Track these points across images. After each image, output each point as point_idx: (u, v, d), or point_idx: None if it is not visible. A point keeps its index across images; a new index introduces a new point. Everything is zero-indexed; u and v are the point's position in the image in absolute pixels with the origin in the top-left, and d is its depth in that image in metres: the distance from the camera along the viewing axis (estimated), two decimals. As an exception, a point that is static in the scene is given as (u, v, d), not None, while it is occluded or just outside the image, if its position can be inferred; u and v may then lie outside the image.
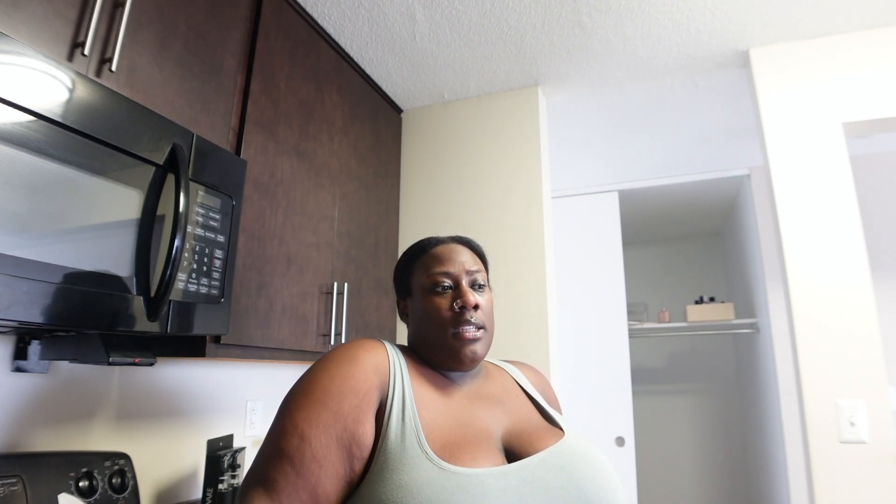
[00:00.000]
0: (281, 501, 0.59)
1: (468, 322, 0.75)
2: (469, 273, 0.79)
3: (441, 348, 0.75)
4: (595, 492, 0.64)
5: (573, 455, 0.68)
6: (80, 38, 0.92)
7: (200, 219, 1.06)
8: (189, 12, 1.18)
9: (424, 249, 0.83)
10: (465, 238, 0.86)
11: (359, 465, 0.63)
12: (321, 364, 0.67)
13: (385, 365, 0.70)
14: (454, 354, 0.74)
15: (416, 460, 0.61)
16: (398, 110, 2.26)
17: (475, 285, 0.79)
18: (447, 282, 0.78)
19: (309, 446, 0.61)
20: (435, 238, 0.85)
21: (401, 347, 0.79)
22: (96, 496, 1.07)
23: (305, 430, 0.62)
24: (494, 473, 0.62)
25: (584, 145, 2.63)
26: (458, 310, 0.75)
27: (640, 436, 3.69)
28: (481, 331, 0.76)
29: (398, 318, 2.00)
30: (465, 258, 0.80)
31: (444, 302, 0.76)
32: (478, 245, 0.86)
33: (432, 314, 0.76)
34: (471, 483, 0.60)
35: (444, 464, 0.61)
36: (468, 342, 0.74)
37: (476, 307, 0.76)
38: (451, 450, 0.64)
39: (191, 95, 1.16)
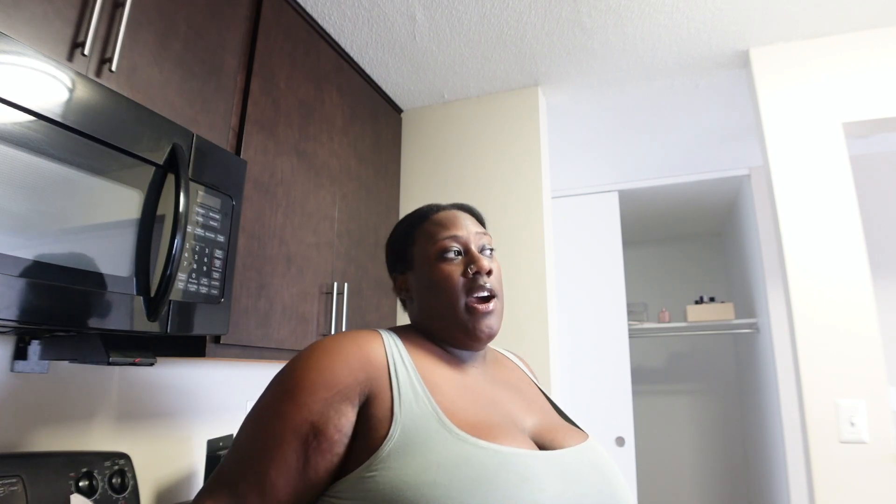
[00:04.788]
0: (233, 492, 0.58)
1: (482, 287, 0.70)
2: (477, 236, 0.74)
3: (453, 324, 0.70)
4: (623, 497, 0.62)
5: (603, 456, 0.65)
6: (80, 38, 0.92)
7: (200, 219, 1.06)
8: (189, 12, 1.18)
9: (426, 216, 0.77)
10: (468, 205, 0.81)
11: (319, 458, 0.58)
12: (304, 352, 0.63)
13: (380, 356, 0.64)
14: (468, 331, 0.70)
15: (442, 440, 0.56)
16: (398, 110, 2.26)
17: (484, 251, 0.74)
18: (456, 247, 0.72)
19: (261, 436, 0.59)
20: (435, 205, 0.79)
21: (401, 329, 0.74)
22: (96, 496, 1.07)
23: (262, 418, 0.60)
24: (539, 456, 0.57)
25: (584, 145, 2.63)
26: (471, 276, 0.70)
27: (640, 436, 3.69)
28: (494, 301, 0.71)
29: (398, 316, 2.00)
30: (470, 223, 0.76)
31: (455, 269, 0.71)
32: (479, 213, 0.82)
33: (442, 283, 0.71)
34: (515, 462, 0.55)
35: (481, 442, 0.56)
36: (483, 316, 0.69)
37: (489, 272, 0.71)
38: (482, 430, 0.58)
39: (191, 95, 1.16)
